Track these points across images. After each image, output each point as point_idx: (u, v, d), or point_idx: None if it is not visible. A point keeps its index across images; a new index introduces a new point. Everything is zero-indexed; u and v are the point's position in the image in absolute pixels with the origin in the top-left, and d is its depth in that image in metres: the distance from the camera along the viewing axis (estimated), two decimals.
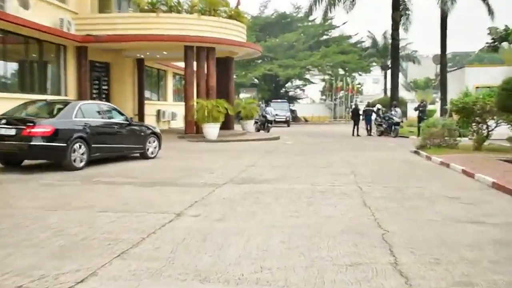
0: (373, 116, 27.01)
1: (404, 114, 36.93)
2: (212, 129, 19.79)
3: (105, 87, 22.15)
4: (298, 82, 57.33)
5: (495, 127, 15.52)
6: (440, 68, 29.67)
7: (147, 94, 25.77)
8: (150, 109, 25.18)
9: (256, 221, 5.86)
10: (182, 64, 23.30)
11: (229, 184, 8.81)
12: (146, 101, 24.91)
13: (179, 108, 26.44)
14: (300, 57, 45.78)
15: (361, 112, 27.10)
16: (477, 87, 20.88)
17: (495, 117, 15.25)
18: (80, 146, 10.69)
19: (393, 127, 24.42)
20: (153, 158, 13.09)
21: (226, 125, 22.53)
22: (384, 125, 25.39)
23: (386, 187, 8.60)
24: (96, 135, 11.30)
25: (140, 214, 6.18)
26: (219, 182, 8.95)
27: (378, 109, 27.43)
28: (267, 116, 28.40)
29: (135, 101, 24.19)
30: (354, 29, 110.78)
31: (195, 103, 20.50)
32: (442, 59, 29.19)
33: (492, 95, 14.94)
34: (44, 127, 10.24)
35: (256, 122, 28.08)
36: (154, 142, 13.32)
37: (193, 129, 21.05)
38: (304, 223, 5.77)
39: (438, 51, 30.02)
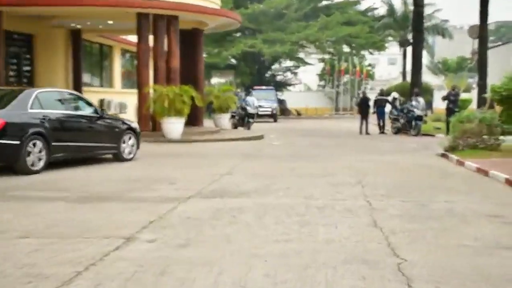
0: (388, 108, 27.21)
1: (429, 105, 37.36)
2: (174, 126, 19.79)
3: (27, 68, 21.98)
4: (288, 63, 57.54)
5: None
6: (478, 44, 29.70)
7: (85, 78, 25.62)
8: (90, 99, 24.95)
9: (231, 248, 5.87)
10: (134, 38, 23.20)
11: (196, 198, 8.82)
12: (84, 88, 24.72)
13: (130, 98, 26.29)
14: (292, 29, 45.97)
15: (371, 103, 27.28)
16: None
17: None
18: (36, 144, 11.09)
19: (413, 123, 24.63)
20: (129, 160, 13.67)
21: (193, 120, 22.53)
22: (402, 120, 25.60)
23: (404, 201, 8.66)
24: (58, 131, 11.78)
25: (75, 240, 6.14)
26: (182, 195, 8.95)
27: (394, 98, 27.72)
28: (248, 108, 28.48)
29: (69, 87, 23.97)
30: None
31: (151, 91, 20.43)
32: (481, 32, 28.97)
33: None
34: None
35: (233, 116, 28.13)
36: (130, 140, 13.86)
37: (148, 126, 20.99)
38: (295, 250, 5.79)
39: (476, 20, 29.79)
